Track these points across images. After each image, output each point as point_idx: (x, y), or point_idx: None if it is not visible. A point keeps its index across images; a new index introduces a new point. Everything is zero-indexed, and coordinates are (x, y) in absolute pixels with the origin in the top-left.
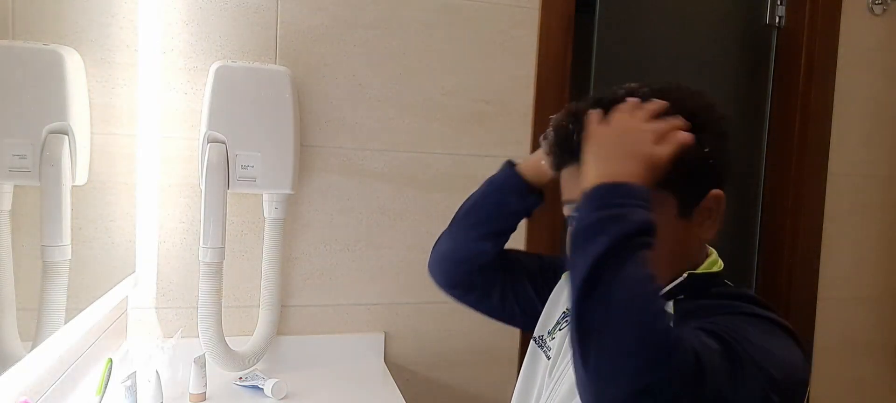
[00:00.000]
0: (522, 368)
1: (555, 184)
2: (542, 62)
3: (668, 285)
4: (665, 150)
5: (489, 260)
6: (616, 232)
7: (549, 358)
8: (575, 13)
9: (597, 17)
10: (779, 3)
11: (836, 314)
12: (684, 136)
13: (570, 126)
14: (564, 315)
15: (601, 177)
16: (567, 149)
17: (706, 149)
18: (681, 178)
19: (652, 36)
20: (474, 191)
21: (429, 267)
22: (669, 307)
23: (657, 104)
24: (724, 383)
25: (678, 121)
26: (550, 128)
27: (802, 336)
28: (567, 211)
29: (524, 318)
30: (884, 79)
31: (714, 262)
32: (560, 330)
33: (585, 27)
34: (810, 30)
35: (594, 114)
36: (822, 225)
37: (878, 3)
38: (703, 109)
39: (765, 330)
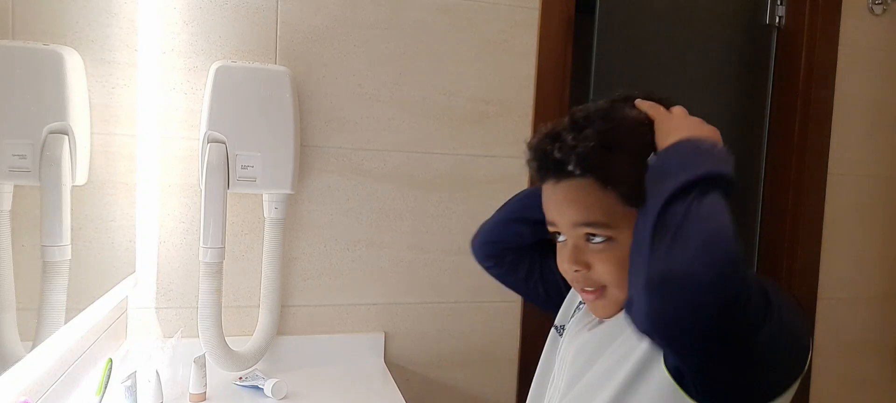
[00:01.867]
0: (542, 356)
1: None
2: (542, 62)
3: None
4: None
5: (525, 243)
6: (711, 167)
7: (562, 339)
8: (575, 13)
9: (597, 17)
10: (779, 3)
11: (836, 314)
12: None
13: (549, 138)
14: (580, 304)
15: (686, 133)
16: (544, 164)
17: None
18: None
19: (652, 36)
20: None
21: (471, 241)
22: None
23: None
24: (777, 331)
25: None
26: (528, 144)
27: None
28: (550, 229)
29: (547, 300)
30: (884, 79)
31: None
32: (574, 316)
33: (585, 27)
34: (810, 30)
35: (652, 105)
36: (822, 226)
37: (878, 4)
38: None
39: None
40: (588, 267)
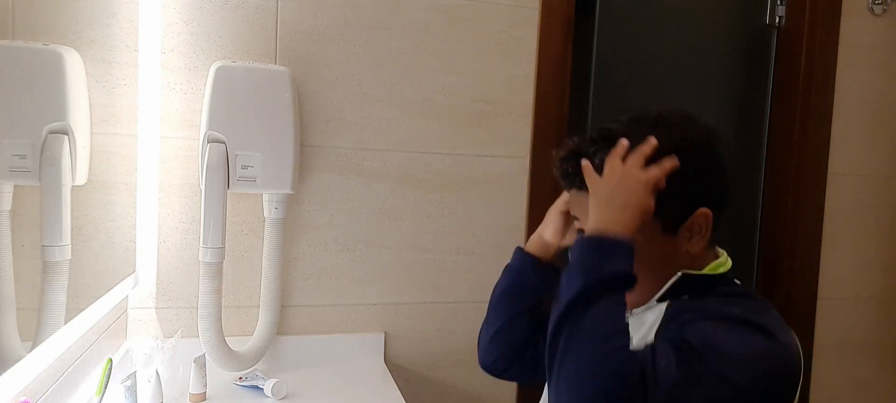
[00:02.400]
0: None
1: (562, 256)
2: (542, 62)
3: (659, 289)
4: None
5: (530, 334)
6: (592, 278)
7: None
8: (575, 13)
9: (597, 17)
10: (779, 3)
11: (836, 314)
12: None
13: (568, 157)
14: None
15: (597, 224)
16: (569, 181)
17: (689, 174)
18: (661, 204)
19: (652, 36)
20: (497, 281)
21: (480, 361)
22: (661, 309)
23: (649, 146)
24: (673, 391)
25: (669, 163)
26: (555, 157)
27: (802, 336)
28: (577, 225)
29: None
30: (884, 79)
31: (719, 264)
32: None
33: (585, 27)
34: (810, 30)
35: (587, 166)
36: (822, 226)
37: (878, 3)
38: (684, 140)
39: (729, 329)
40: None
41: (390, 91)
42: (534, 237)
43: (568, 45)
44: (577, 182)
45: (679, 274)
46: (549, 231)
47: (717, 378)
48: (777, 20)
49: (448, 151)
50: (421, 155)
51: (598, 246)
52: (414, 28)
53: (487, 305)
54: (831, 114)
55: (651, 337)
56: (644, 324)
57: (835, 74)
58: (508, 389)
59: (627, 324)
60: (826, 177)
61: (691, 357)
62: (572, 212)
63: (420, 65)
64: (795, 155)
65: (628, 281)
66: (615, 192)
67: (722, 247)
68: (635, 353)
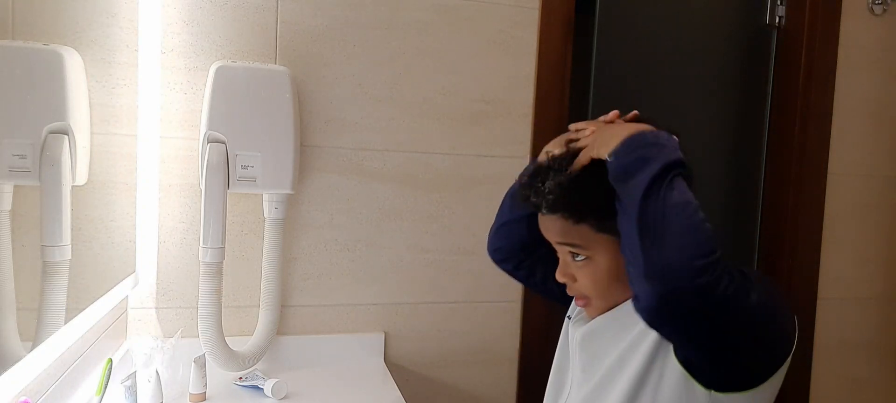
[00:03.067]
0: (558, 347)
1: None
2: (542, 62)
3: (623, 297)
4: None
5: (528, 240)
6: (666, 156)
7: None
8: (575, 13)
9: (597, 17)
10: (779, 3)
11: (836, 314)
12: None
13: (528, 189)
14: None
15: (631, 130)
16: (529, 203)
17: None
18: (612, 219)
19: (652, 36)
20: (514, 182)
21: (488, 247)
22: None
23: (613, 114)
24: (741, 288)
25: (632, 114)
26: (520, 184)
27: (802, 336)
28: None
29: (564, 296)
30: (884, 79)
31: None
32: None
33: (585, 27)
34: (810, 30)
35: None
36: (822, 226)
37: (878, 3)
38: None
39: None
40: (574, 279)
41: (390, 91)
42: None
43: (568, 45)
44: (540, 209)
45: None
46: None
47: (775, 302)
48: (777, 20)
49: (448, 151)
50: (421, 155)
51: (658, 137)
52: (414, 28)
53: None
54: (831, 114)
55: (648, 341)
56: (625, 319)
57: (835, 74)
58: (508, 389)
59: None
60: (826, 177)
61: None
62: (546, 235)
63: (420, 65)
64: (795, 155)
65: (686, 170)
66: (621, 127)
67: (720, 246)
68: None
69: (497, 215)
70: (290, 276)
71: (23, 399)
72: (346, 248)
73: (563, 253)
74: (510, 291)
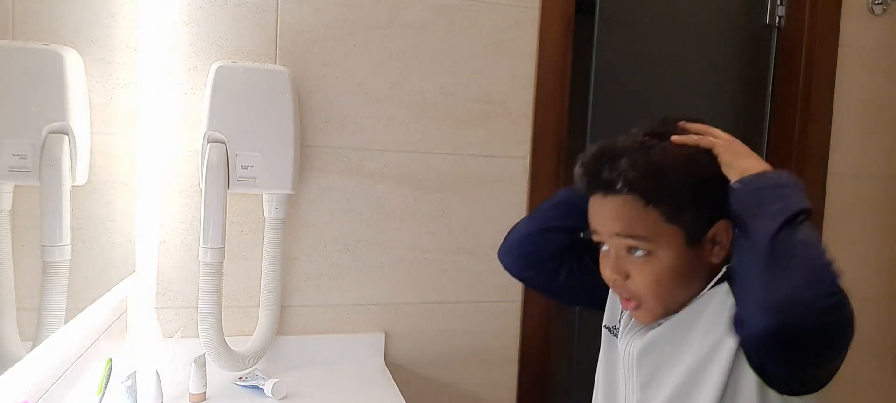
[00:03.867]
0: (601, 358)
1: None
2: (542, 62)
3: (678, 303)
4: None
5: (561, 251)
6: (801, 199)
7: (619, 339)
8: (575, 13)
9: (597, 17)
10: (779, 3)
11: None
12: None
13: (601, 158)
14: None
15: (758, 166)
16: (594, 180)
17: (712, 183)
18: (686, 211)
19: (652, 36)
20: (556, 193)
21: (500, 253)
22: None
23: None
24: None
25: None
26: (580, 160)
27: None
28: (594, 238)
29: (589, 297)
30: (884, 79)
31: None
32: (625, 312)
33: (585, 27)
34: (810, 30)
35: (709, 136)
36: (822, 226)
37: (878, 3)
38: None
39: None
40: (627, 276)
41: (390, 91)
42: None
43: (568, 45)
44: (613, 187)
45: (724, 269)
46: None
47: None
48: (777, 20)
49: (448, 151)
50: (421, 155)
51: (790, 177)
52: (414, 28)
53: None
54: (831, 114)
55: (725, 349)
56: (692, 329)
57: (835, 74)
58: (508, 389)
59: None
60: (826, 177)
61: None
62: (594, 225)
63: (420, 65)
64: (795, 155)
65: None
66: (751, 153)
67: None
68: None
69: (527, 220)
70: (290, 276)
71: (23, 399)
72: (346, 248)
73: (618, 247)
74: (510, 291)
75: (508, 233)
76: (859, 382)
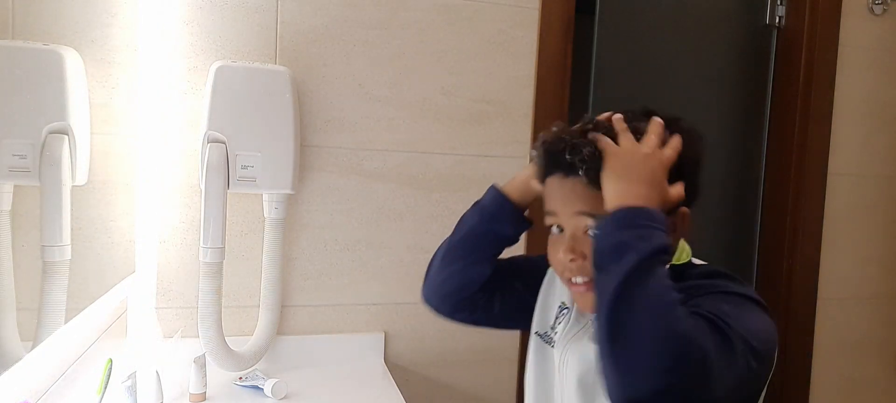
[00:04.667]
0: (531, 365)
1: (538, 203)
2: (542, 62)
3: None
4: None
5: (487, 279)
6: (644, 249)
7: (554, 348)
8: (575, 13)
9: (597, 17)
10: (779, 3)
11: (836, 314)
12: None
13: (563, 141)
14: (561, 308)
15: (624, 198)
16: (555, 162)
17: (678, 172)
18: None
19: (652, 36)
20: (464, 213)
21: (426, 297)
22: None
23: (659, 125)
24: (723, 368)
25: (677, 142)
26: (541, 142)
27: (802, 336)
28: (549, 221)
29: (523, 318)
30: (884, 79)
31: (684, 252)
32: (559, 323)
33: (585, 27)
34: (810, 30)
35: (604, 139)
36: (822, 226)
37: (878, 3)
38: (685, 134)
39: (739, 304)
40: (584, 257)
41: (390, 91)
42: (518, 177)
43: (568, 45)
44: (574, 171)
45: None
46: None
47: (747, 348)
48: (777, 20)
49: (448, 151)
50: (421, 155)
51: (646, 217)
52: (414, 28)
53: (448, 237)
54: (831, 114)
55: None
56: None
57: (835, 74)
58: (508, 389)
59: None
60: (826, 177)
61: (724, 331)
62: (551, 206)
63: (420, 65)
64: (795, 155)
65: (670, 252)
66: (639, 168)
67: (721, 246)
68: (693, 326)
69: (443, 260)
70: (290, 276)
71: (23, 399)
72: (346, 248)
73: (576, 226)
74: None
75: (426, 276)
76: (859, 382)
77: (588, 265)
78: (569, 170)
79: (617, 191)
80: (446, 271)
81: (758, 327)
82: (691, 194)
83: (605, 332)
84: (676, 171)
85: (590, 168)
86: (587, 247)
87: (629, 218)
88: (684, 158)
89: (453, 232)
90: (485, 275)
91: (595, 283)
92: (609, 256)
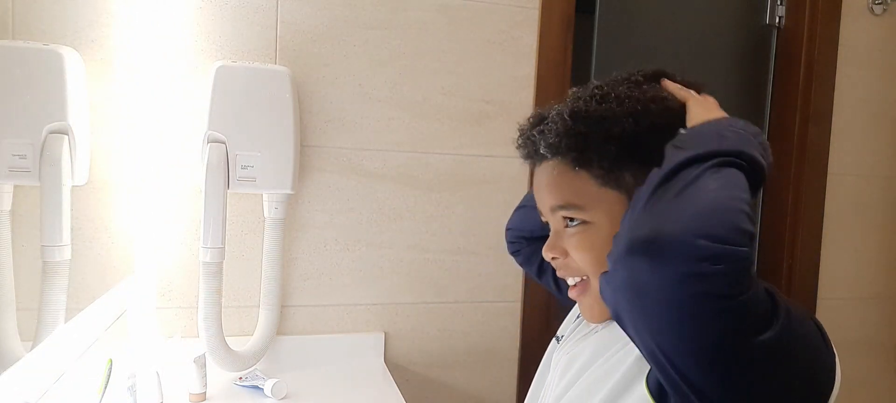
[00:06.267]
0: (540, 364)
1: None
2: (542, 62)
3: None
4: None
5: (537, 230)
6: (749, 148)
7: (557, 349)
8: (575, 13)
9: (597, 17)
10: (779, 3)
11: (836, 314)
12: None
13: (530, 129)
14: (579, 315)
15: (725, 116)
16: (526, 149)
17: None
18: (625, 171)
19: (652, 36)
20: None
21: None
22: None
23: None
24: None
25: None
26: (519, 130)
27: None
28: (542, 219)
29: (557, 292)
30: (884, 79)
31: None
32: (572, 325)
33: (585, 27)
34: (810, 30)
35: (674, 85)
36: (822, 226)
37: (878, 3)
38: (656, 95)
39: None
40: (565, 253)
41: (390, 91)
42: None
43: (568, 45)
44: (537, 150)
45: None
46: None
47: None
48: (777, 20)
49: (448, 151)
50: (421, 155)
51: (752, 133)
52: (414, 28)
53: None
54: (831, 114)
55: (623, 367)
56: (613, 344)
57: (835, 74)
58: (508, 389)
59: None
60: (826, 176)
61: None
62: (540, 205)
63: (420, 65)
64: (795, 155)
65: (760, 189)
66: (715, 105)
67: None
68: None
69: (524, 198)
70: (290, 276)
71: (23, 399)
72: (346, 248)
73: (555, 222)
74: (510, 291)
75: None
76: (859, 382)
77: (570, 263)
78: (535, 154)
79: (716, 115)
80: (518, 205)
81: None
82: None
83: (650, 188)
84: None
85: (550, 146)
86: (567, 242)
87: (734, 125)
88: None
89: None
90: (537, 225)
91: (665, 159)
92: (706, 136)
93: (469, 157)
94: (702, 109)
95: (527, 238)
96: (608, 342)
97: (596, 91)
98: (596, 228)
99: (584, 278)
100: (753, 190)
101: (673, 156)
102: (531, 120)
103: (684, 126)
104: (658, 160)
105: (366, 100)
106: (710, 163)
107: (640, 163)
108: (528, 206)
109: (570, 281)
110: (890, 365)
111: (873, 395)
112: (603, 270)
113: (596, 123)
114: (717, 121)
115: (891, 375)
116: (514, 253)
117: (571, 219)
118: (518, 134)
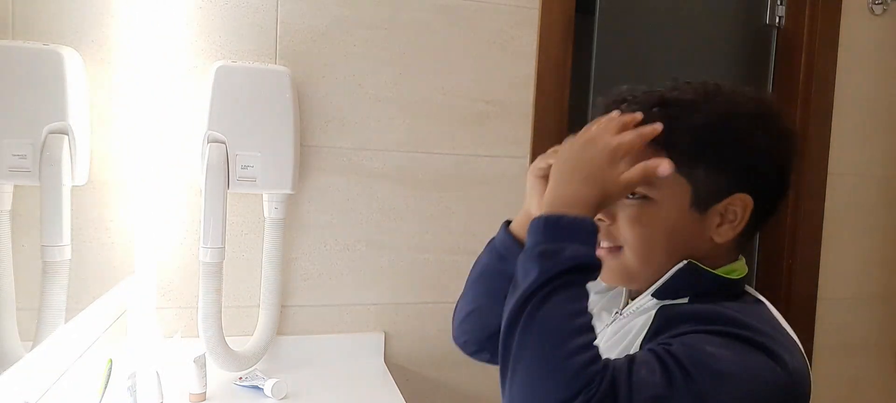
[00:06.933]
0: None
1: None
2: (542, 62)
3: (660, 274)
4: (622, 171)
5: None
6: (547, 268)
7: None
8: (575, 13)
9: (597, 17)
10: (779, 3)
11: (836, 314)
12: (655, 161)
13: (619, 104)
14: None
15: (550, 203)
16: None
17: (727, 148)
18: (700, 166)
19: (652, 36)
20: (479, 255)
21: (453, 337)
22: (652, 313)
23: (630, 118)
24: None
25: (649, 129)
26: (605, 99)
27: (802, 337)
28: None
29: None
30: (884, 79)
31: (733, 269)
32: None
33: (585, 27)
34: (810, 30)
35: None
36: (822, 226)
37: (878, 3)
38: (728, 107)
39: (739, 352)
40: (613, 219)
41: (390, 91)
42: (521, 212)
43: (568, 45)
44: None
45: (683, 262)
46: (535, 203)
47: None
48: (777, 20)
49: (448, 151)
50: (421, 155)
51: (555, 228)
52: (414, 28)
53: (466, 279)
54: (831, 114)
55: (636, 347)
56: (630, 332)
57: (835, 74)
58: None
59: (591, 320)
60: (826, 177)
61: (678, 373)
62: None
63: (420, 65)
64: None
65: (592, 269)
66: (578, 162)
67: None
68: (606, 358)
69: (463, 300)
70: (290, 276)
71: (23, 398)
72: (346, 248)
73: None
74: None
75: (453, 316)
76: (859, 382)
77: (614, 228)
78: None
79: (549, 194)
80: (465, 310)
81: (738, 376)
82: (759, 185)
83: (501, 359)
84: (717, 151)
85: (651, 116)
86: (622, 209)
87: (542, 229)
88: (728, 138)
89: (470, 271)
90: (496, 323)
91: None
92: (519, 272)
93: (469, 157)
94: (553, 176)
95: (490, 335)
96: (622, 332)
97: (697, 85)
98: (655, 207)
99: (620, 247)
100: (586, 275)
101: (512, 293)
102: (617, 95)
103: (760, 144)
104: (740, 174)
105: (366, 100)
106: (523, 316)
107: (716, 165)
108: (481, 307)
109: (604, 243)
110: (890, 366)
111: (874, 395)
112: (643, 250)
113: (703, 115)
114: (529, 238)
115: (891, 375)
116: (474, 353)
117: (634, 193)
118: (602, 103)
